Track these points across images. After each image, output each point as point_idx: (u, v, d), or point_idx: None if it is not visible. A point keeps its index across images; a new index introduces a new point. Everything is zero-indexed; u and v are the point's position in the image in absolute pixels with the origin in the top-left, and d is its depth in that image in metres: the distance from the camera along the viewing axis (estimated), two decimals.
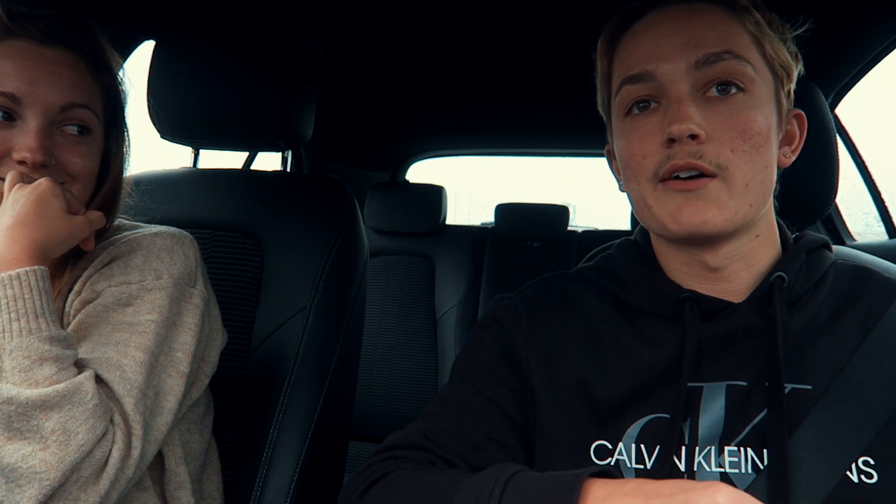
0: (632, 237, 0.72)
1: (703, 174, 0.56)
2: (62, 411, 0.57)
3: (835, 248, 0.69)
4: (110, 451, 0.60)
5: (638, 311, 0.65)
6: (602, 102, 0.70)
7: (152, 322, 0.68)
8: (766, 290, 0.60)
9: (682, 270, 0.64)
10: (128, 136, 0.81)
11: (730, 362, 0.59)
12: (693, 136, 0.56)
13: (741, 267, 0.62)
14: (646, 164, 0.59)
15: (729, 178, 0.56)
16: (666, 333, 0.62)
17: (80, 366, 0.62)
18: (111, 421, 0.61)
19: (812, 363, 0.57)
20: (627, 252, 0.69)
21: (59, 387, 0.57)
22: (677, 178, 0.57)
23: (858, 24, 1.10)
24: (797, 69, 0.63)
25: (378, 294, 2.14)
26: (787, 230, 0.66)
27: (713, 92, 0.57)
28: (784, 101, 0.62)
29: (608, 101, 0.67)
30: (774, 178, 0.60)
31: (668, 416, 0.57)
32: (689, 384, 0.58)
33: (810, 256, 0.63)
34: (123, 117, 0.80)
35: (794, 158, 0.64)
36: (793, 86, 0.62)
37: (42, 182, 0.65)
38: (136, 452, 0.61)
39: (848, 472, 0.52)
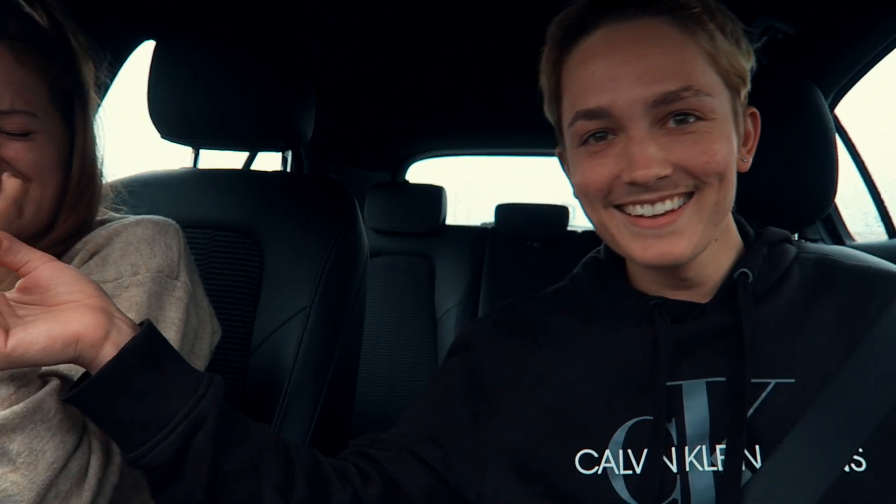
0: (596, 255, 0.72)
1: (670, 211, 0.56)
2: (24, 432, 0.53)
3: (833, 248, 0.69)
4: (88, 461, 0.57)
5: (606, 320, 0.65)
6: (550, 115, 0.67)
7: None
8: (730, 287, 0.60)
9: (651, 280, 0.65)
10: (98, 119, 0.73)
11: (704, 359, 0.59)
12: (661, 178, 0.55)
13: (711, 271, 0.62)
14: (602, 194, 0.59)
15: (701, 199, 0.56)
16: (636, 337, 0.62)
17: (45, 376, 0.58)
18: (86, 429, 0.58)
19: (792, 357, 0.57)
20: (592, 269, 0.71)
21: (17, 408, 0.53)
22: (641, 216, 0.57)
23: (858, 24, 1.10)
24: (751, 69, 0.60)
25: (378, 294, 2.14)
26: (747, 227, 0.66)
27: (671, 123, 0.55)
28: (740, 109, 0.60)
29: (558, 120, 0.65)
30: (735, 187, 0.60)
31: (650, 418, 0.57)
32: (667, 384, 0.58)
33: (772, 250, 0.63)
34: (85, 100, 0.72)
35: (751, 160, 0.63)
36: (748, 89, 0.61)
37: None
38: (118, 458, 0.59)
39: (844, 469, 0.52)
